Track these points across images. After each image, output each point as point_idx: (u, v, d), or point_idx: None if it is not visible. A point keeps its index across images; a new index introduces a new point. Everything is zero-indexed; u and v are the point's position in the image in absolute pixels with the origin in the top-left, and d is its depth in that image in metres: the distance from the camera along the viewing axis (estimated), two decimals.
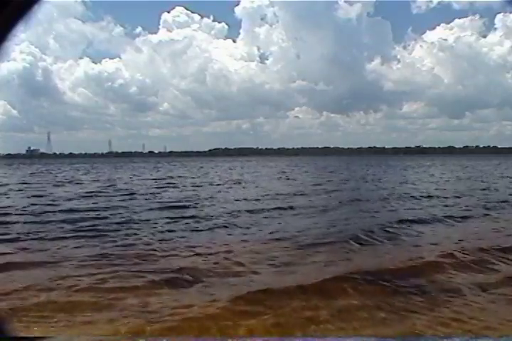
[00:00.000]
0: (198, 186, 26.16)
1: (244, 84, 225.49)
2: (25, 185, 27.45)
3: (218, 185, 27.65)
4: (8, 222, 12.42)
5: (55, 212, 14.51)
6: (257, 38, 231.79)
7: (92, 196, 19.65)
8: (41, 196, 19.98)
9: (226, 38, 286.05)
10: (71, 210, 14.68)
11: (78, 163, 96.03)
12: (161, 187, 24.76)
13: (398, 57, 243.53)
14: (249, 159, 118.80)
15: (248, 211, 14.40)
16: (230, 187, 25.33)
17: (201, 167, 63.80)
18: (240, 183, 28.57)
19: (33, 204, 16.51)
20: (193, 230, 11.18)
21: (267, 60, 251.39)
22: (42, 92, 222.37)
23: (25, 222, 12.48)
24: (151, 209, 15.09)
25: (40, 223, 12.28)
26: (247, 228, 11.50)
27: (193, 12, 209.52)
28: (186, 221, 12.48)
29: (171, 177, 35.23)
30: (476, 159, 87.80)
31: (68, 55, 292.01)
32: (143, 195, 20.19)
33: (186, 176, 38.13)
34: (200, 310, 5.42)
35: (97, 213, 13.98)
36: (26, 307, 5.46)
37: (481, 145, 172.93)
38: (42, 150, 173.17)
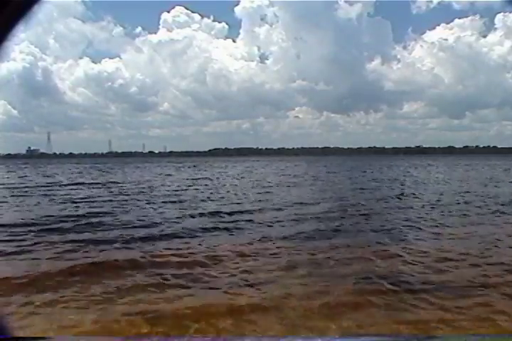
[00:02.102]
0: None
1: (244, 84, 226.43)
2: None
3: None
4: None
5: None
6: (257, 37, 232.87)
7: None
8: None
9: (226, 37, 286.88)
10: None
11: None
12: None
13: (398, 57, 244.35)
14: (252, 159, 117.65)
15: None
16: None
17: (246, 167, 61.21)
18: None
19: None
20: None
21: (267, 59, 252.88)
22: (42, 92, 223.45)
23: None
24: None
25: None
26: None
27: (193, 12, 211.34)
28: None
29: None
30: (487, 159, 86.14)
31: (68, 55, 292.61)
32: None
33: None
34: None
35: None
36: None
37: (481, 145, 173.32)
38: (42, 150, 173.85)
